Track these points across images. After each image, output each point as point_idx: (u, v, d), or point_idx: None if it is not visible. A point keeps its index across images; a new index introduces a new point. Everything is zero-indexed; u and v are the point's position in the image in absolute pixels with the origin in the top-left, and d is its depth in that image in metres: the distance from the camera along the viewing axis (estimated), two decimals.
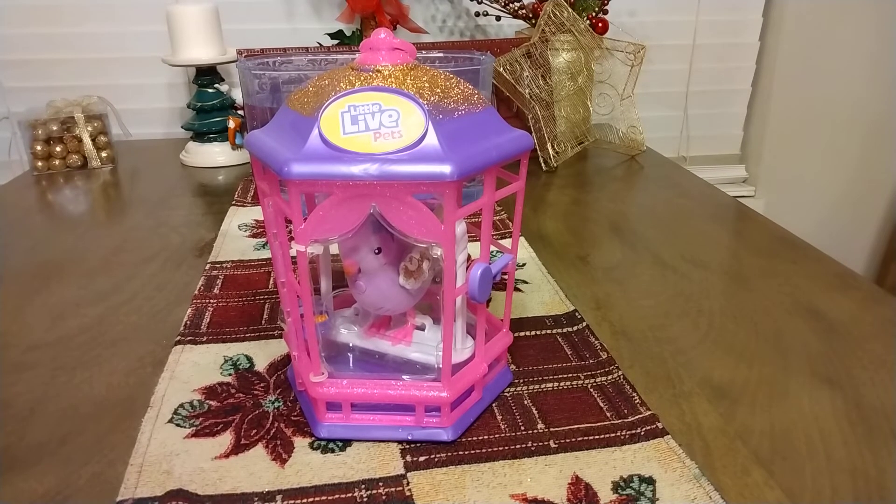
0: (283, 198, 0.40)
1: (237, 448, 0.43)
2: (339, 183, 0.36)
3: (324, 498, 0.39)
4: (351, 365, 0.48)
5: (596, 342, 0.55)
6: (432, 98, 0.39)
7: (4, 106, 1.19)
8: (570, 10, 1.02)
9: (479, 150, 0.39)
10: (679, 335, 0.57)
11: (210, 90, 1.07)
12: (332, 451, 0.43)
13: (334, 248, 0.51)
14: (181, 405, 0.48)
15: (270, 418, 0.46)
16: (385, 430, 0.44)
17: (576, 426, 0.45)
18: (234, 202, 0.89)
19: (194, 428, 0.45)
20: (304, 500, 0.39)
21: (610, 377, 0.50)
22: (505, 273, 0.46)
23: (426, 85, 0.40)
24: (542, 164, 1.01)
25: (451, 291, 0.40)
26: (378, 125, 0.37)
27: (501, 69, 0.97)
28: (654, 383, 0.50)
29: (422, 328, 0.49)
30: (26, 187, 0.98)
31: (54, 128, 1.03)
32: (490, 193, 0.40)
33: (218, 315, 0.60)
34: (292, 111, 0.41)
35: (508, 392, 0.49)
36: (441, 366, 0.43)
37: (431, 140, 0.36)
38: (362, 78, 0.40)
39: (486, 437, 0.44)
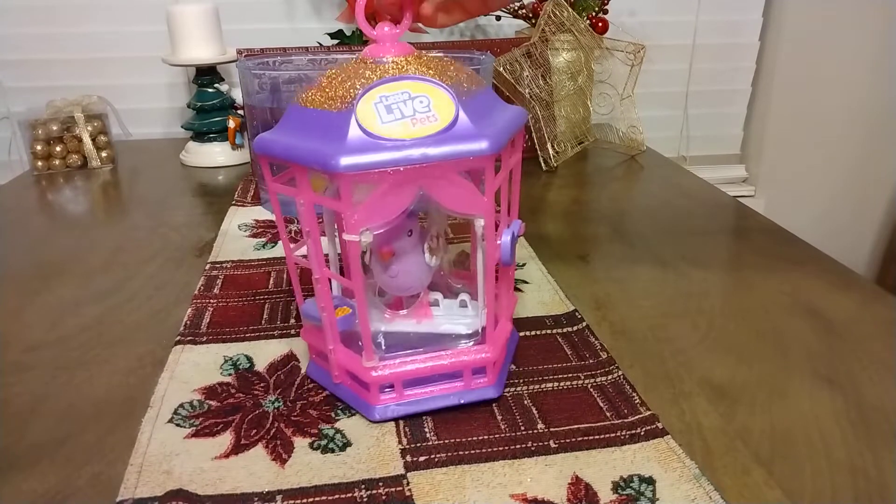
0: (319, 193, 0.42)
1: (237, 448, 0.43)
2: (391, 170, 0.38)
3: (324, 498, 0.39)
4: (383, 348, 0.49)
5: (596, 342, 0.55)
6: (448, 82, 0.41)
7: (4, 106, 1.19)
8: (570, 9, 1.02)
9: (500, 124, 0.42)
10: (679, 335, 0.57)
11: (210, 90, 1.07)
12: (332, 450, 0.43)
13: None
14: (181, 405, 0.48)
15: (270, 418, 0.46)
16: (438, 399, 0.46)
17: (576, 426, 0.45)
18: (234, 202, 0.89)
19: (194, 428, 0.45)
20: (304, 500, 0.39)
21: (610, 377, 0.50)
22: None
23: (439, 69, 0.42)
24: (542, 164, 1.01)
25: (492, 256, 0.43)
26: (412, 112, 0.38)
27: (501, 69, 0.97)
28: (654, 383, 0.50)
29: (435, 304, 0.51)
30: (26, 187, 0.98)
31: (54, 128, 1.03)
32: (517, 153, 0.46)
33: (218, 315, 0.60)
34: (312, 109, 0.41)
35: (508, 392, 0.49)
36: (483, 328, 0.47)
37: (463, 120, 0.39)
38: (379, 70, 0.41)
39: (486, 437, 0.44)
